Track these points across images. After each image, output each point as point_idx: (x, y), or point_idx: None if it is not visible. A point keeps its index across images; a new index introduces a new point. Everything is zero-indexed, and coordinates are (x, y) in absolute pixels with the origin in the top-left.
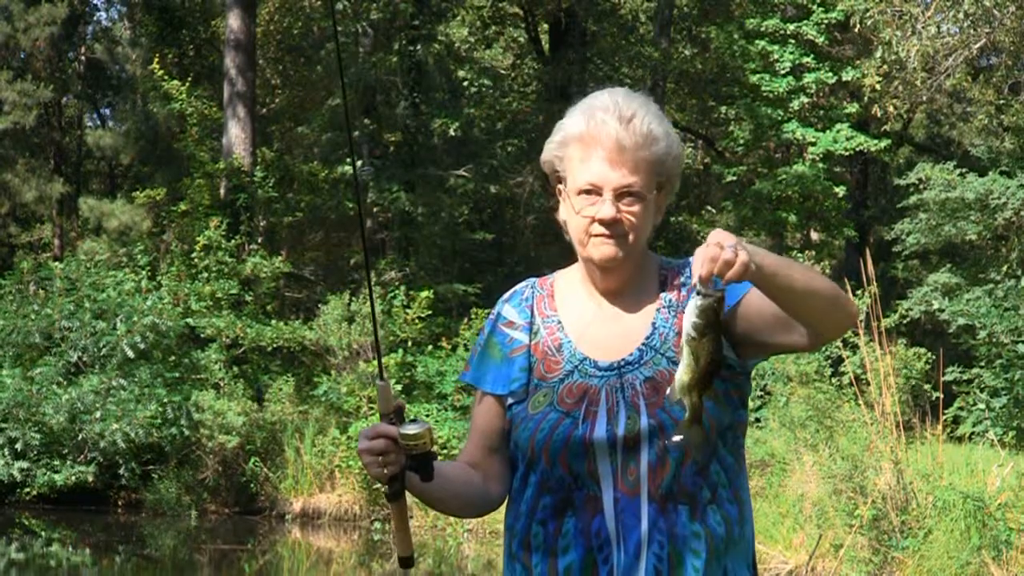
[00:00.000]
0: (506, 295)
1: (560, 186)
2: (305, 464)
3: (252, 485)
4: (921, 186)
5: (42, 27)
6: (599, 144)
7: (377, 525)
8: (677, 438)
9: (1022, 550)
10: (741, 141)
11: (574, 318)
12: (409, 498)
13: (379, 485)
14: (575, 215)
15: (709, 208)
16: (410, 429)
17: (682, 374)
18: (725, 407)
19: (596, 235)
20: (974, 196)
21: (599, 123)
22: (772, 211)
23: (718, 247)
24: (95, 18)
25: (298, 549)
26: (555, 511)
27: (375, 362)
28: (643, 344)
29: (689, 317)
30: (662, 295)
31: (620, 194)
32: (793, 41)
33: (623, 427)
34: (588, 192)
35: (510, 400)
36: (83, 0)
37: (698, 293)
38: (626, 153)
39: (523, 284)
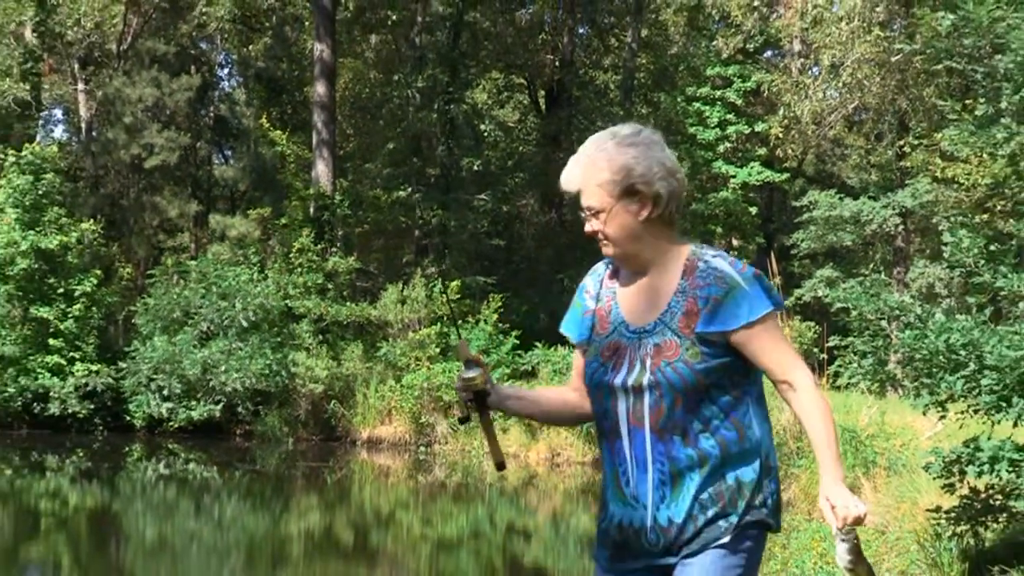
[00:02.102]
0: (591, 270)
1: None
2: (370, 405)
3: (332, 420)
4: (811, 207)
5: (182, 92)
6: (568, 185)
7: (422, 449)
8: None
9: (883, 467)
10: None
11: (622, 291)
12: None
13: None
14: None
15: None
16: (468, 374)
17: None
18: (703, 379)
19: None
20: (849, 214)
21: (564, 172)
22: (704, 225)
23: (845, 508)
24: (220, 86)
25: (365, 466)
26: (601, 435)
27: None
28: (658, 319)
29: (842, 556)
30: (679, 281)
31: (590, 213)
32: (720, 103)
33: (633, 378)
34: (585, 216)
35: (583, 347)
36: (211, 72)
37: (842, 540)
38: (585, 187)
39: (600, 263)
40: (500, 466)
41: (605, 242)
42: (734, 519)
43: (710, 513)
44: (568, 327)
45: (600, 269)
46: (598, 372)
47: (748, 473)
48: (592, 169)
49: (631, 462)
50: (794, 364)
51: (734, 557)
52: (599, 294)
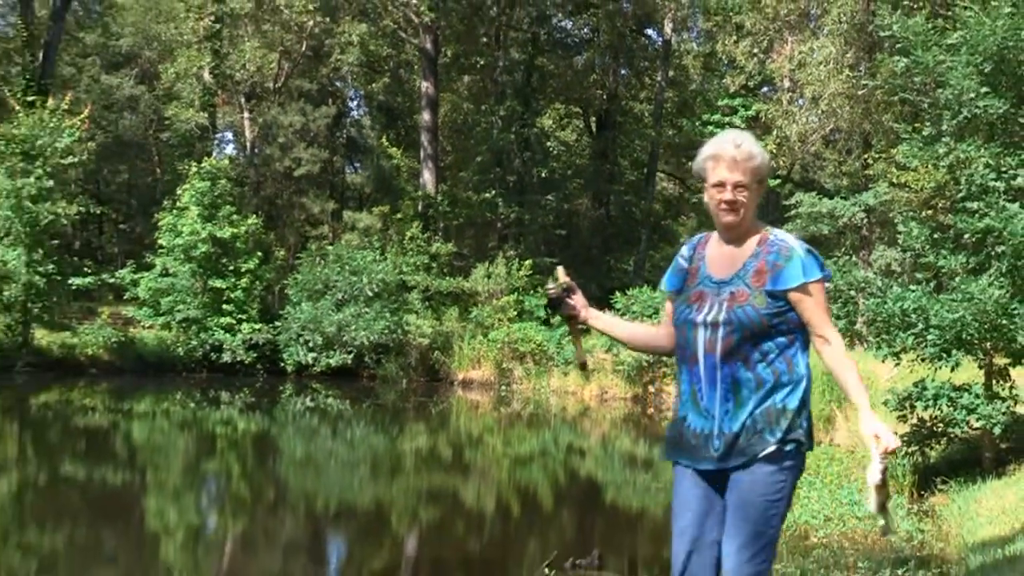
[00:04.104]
0: (687, 241)
1: (704, 183)
2: (464, 354)
3: (435, 365)
4: (797, 205)
5: (322, 119)
6: (723, 160)
7: (503, 387)
8: (880, 523)
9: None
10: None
11: (710, 255)
12: (511, 382)
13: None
14: (710, 199)
15: (683, 216)
16: (548, 285)
17: (872, 503)
18: (765, 320)
19: (722, 210)
20: (826, 211)
21: (722, 148)
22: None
23: (885, 439)
24: (350, 114)
25: (460, 400)
26: (682, 361)
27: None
28: (735, 274)
29: (875, 476)
30: (755, 248)
31: (736, 186)
32: (728, 127)
33: (712, 315)
34: (717, 186)
35: (673, 296)
36: (344, 104)
37: (880, 462)
38: (737, 164)
39: (697, 236)
40: (582, 367)
41: (737, 211)
42: (778, 434)
43: (759, 427)
44: (666, 281)
45: (693, 241)
46: (684, 311)
47: (793, 401)
48: (751, 156)
49: (705, 382)
50: (830, 324)
51: (780, 473)
52: (692, 257)
